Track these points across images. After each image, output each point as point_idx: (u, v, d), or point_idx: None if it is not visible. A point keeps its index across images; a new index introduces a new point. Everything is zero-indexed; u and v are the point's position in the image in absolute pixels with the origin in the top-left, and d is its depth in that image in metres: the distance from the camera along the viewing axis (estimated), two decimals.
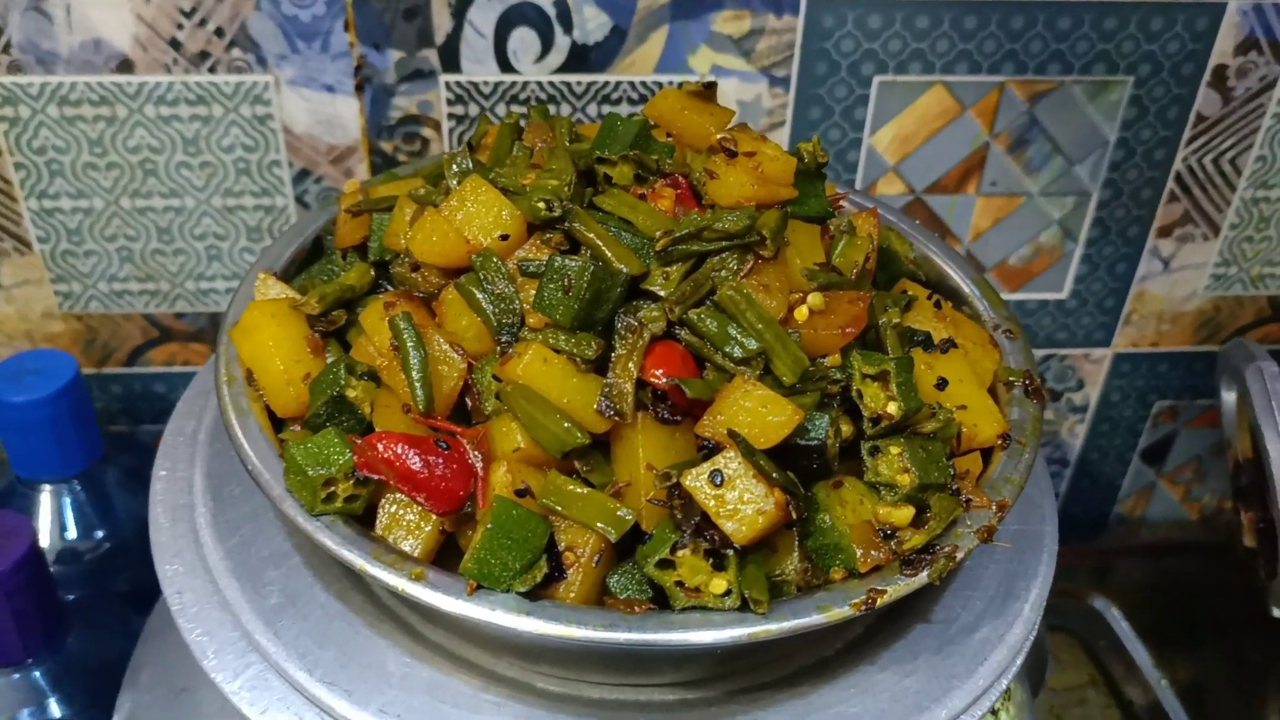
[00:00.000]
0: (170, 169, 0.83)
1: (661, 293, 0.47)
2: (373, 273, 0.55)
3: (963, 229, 0.91)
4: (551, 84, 0.82)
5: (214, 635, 0.49)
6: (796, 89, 0.84)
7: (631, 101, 0.83)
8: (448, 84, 0.81)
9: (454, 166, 0.55)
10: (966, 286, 0.60)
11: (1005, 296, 0.94)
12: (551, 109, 0.83)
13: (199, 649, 0.49)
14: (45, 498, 0.84)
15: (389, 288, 0.56)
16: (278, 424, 0.51)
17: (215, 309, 0.90)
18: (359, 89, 0.82)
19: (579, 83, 0.82)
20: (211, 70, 0.79)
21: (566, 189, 0.50)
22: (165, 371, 0.93)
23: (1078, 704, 0.97)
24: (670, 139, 0.55)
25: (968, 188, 0.89)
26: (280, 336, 0.51)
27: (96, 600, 0.85)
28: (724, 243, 0.48)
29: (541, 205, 0.48)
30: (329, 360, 0.52)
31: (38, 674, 0.75)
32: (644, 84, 0.82)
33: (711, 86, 0.56)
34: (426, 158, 0.67)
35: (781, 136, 0.86)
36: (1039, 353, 0.98)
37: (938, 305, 0.55)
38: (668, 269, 0.48)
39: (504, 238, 0.49)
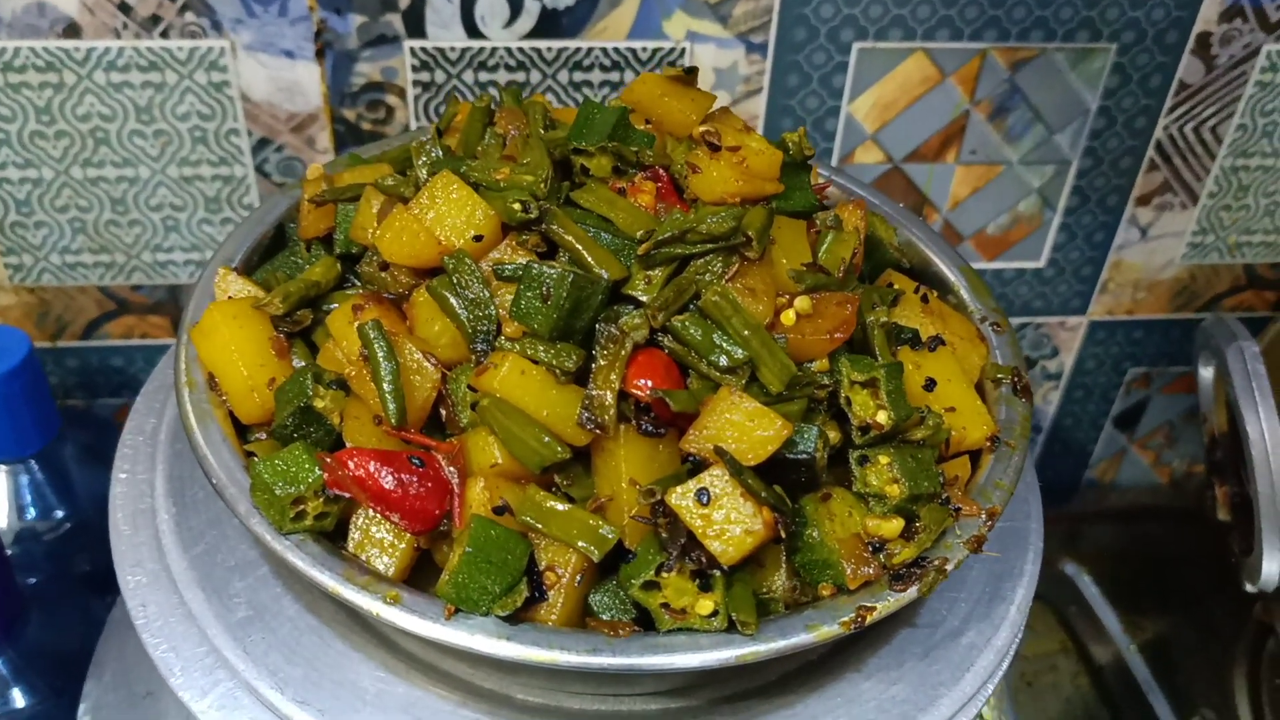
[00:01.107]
0: (123, 138, 0.80)
1: (643, 298, 0.45)
2: (339, 267, 0.53)
3: (941, 198, 0.90)
4: (521, 50, 0.79)
5: (180, 651, 0.48)
6: (774, 56, 0.81)
7: (604, 68, 0.80)
8: (413, 50, 0.78)
9: (423, 156, 0.52)
10: (952, 275, 0.59)
11: (982, 266, 0.93)
12: (521, 76, 0.80)
13: (165, 666, 0.47)
14: (1, 479, 0.81)
15: (356, 282, 0.53)
16: (241, 428, 0.49)
17: (174, 281, 0.87)
18: (320, 54, 0.78)
19: (549, 49, 0.79)
20: (164, 35, 0.76)
21: (543, 185, 0.47)
22: (123, 345, 0.90)
23: (1049, 670, 0.98)
24: (649, 126, 0.53)
25: (947, 156, 0.88)
26: (242, 339, 0.48)
27: (57, 584, 0.83)
28: (708, 245, 0.46)
29: (518, 207, 0.46)
30: (295, 363, 0.50)
31: None
32: (616, 50, 0.80)
33: (692, 72, 0.54)
34: (393, 137, 0.64)
35: (758, 104, 0.84)
36: (1015, 321, 0.97)
37: (924, 300, 0.54)
38: (650, 272, 0.46)
39: (478, 239, 0.47)
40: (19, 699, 0.73)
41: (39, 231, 0.83)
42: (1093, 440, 1.07)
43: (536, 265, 0.44)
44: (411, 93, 0.80)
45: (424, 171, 0.52)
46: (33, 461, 0.81)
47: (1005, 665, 0.51)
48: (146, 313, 0.88)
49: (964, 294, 0.58)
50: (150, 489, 0.53)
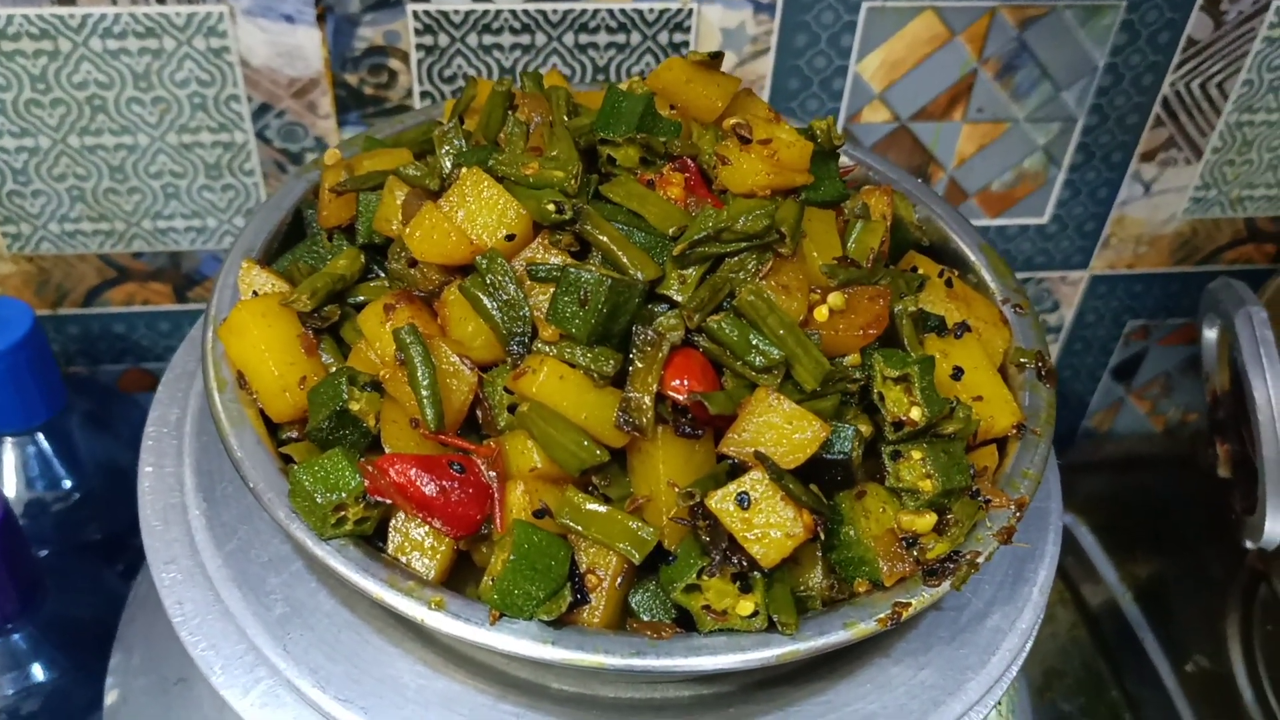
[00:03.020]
0: (120, 105, 0.78)
1: (678, 297, 0.45)
2: (363, 258, 0.52)
3: (947, 156, 0.89)
4: (525, 13, 0.77)
5: (219, 649, 0.48)
6: (782, 15, 0.80)
7: (610, 30, 0.79)
8: (415, 13, 0.77)
9: (445, 145, 0.51)
10: (972, 254, 0.59)
11: (985, 222, 0.93)
12: (526, 39, 0.79)
13: (205, 664, 0.48)
14: (9, 452, 0.81)
15: (380, 273, 0.53)
16: (272, 424, 0.49)
17: (174, 248, 0.86)
18: (320, 18, 0.77)
19: (554, 11, 0.78)
20: (161, 1, 0.74)
21: (573, 181, 0.47)
22: (125, 311, 0.89)
23: (1046, 621, 0.99)
24: (674, 111, 0.53)
25: (954, 114, 0.87)
26: (272, 338, 0.48)
27: (70, 555, 0.83)
28: (742, 244, 0.45)
29: (551, 208, 0.45)
30: (324, 359, 0.50)
31: (19, 638, 0.73)
32: (623, 12, 0.78)
33: (718, 56, 0.53)
34: (406, 115, 0.63)
35: (765, 64, 0.83)
36: (1016, 276, 0.97)
37: (949, 284, 0.54)
38: (684, 272, 0.45)
39: (509, 238, 0.46)
40: (40, 673, 0.74)
41: (37, 200, 0.82)
42: (1090, 391, 1.08)
43: (574, 269, 0.43)
44: (415, 57, 0.79)
45: (447, 161, 0.51)
46: (39, 433, 0.81)
47: (1029, 647, 0.52)
48: (148, 279, 0.87)
49: (985, 274, 0.58)
50: (179, 483, 0.53)
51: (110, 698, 0.64)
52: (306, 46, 0.78)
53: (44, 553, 0.81)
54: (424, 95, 0.81)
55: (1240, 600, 0.98)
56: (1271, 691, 0.92)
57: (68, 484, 0.84)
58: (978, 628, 0.51)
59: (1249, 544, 0.79)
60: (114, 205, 0.83)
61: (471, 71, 0.80)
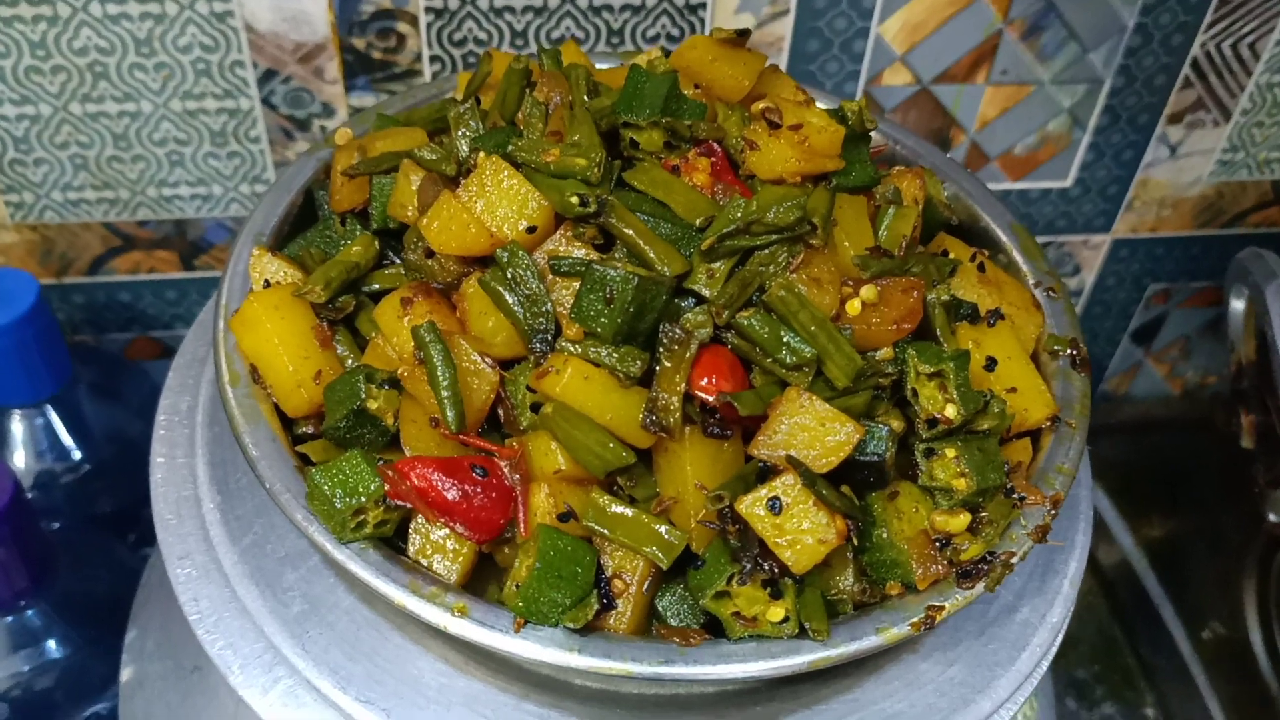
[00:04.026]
0: (122, 72, 0.76)
1: (706, 292, 0.44)
2: (377, 245, 0.51)
3: (968, 119, 0.87)
4: None
5: (237, 649, 0.47)
6: None
7: None
8: None
9: (462, 127, 0.50)
10: (1004, 235, 0.57)
11: (1007, 186, 0.91)
12: (538, 1, 0.76)
13: (223, 663, 0.47)
14: (17, 425, 0.80)
15: (395, 259, 0.51)
16: (286, 418, 0.48)
17: (180, 216, 0.84)
18: None
19: None
20: None
21: (596, 170, 0.45)
22: (130, 280, 0.87)
23: None
24: (698, 91, 0.51)
25: (977, 77, 0.85)
26: (285, 331, 0.47)
27: (81, 527, 0.83)
28: (772, 236, 0.44)
29: (575, 200, 0.44)
30: (339, 350, 0.48)
31: (32, 614, 0.73)
32: None
33: (744, 34, 0.51)
34: (417, 87, 0.61)
35: (785, 26, 0.80)
36: (1038, 240, 0.96)
37: (981, 268, 0.52)
38: (712, 266, 0.44)
39: (530, 230, 0.45)
40: (54, 649, 0.74)
41: (39, 169, 0.80)
42: (1109, 355, 1.07)
43: (599, 267, 0.42)
44: (424, 20, 0.77)
45: (464, 144, 0.50)
46: (48, 406, 0.80)
47: (1059, 641, 0.51)
48: (153, 247, 0.86)
49: (1016, 254, 0.56)
50: (191, 475, 0.52)
51: (126, 674, 0.63)
52: (312, 11, 0.75)
53: (55, 526, 0.81)
54: (433, 59, 0.79)
55: (1257, 565, 0.97)
56: None
57: (77, 456, 0.83)
58: (1007, 621, 0.50)
59: (1272, 517, 0.78)
60: (118, 173, 0.81)
61: (482, 35, 0.78)
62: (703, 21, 0.79)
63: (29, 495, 0.80)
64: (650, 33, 0.79)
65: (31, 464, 0.81)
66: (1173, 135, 0.90)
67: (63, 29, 0.73)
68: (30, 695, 0.73)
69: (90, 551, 0.80)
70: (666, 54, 0.58)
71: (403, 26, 0.77)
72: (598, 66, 0.60)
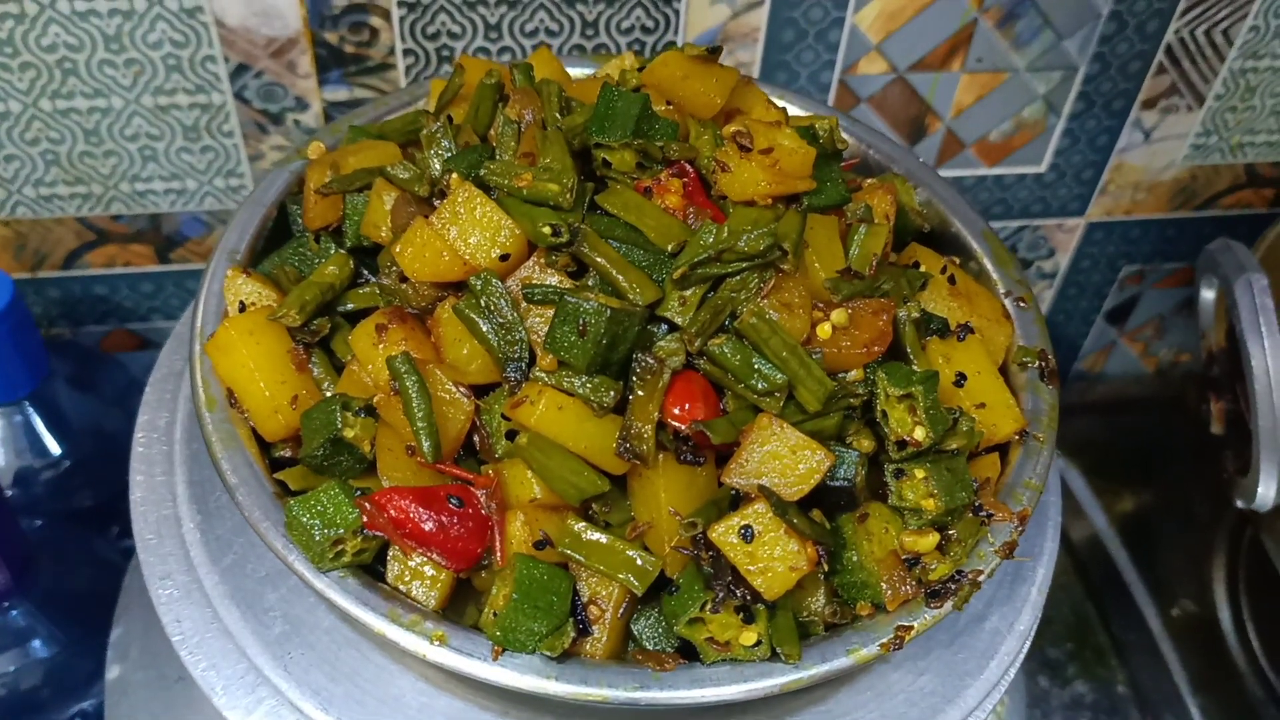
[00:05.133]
0: (92, 68, 0.75)
1: (679, 320, 0.44)
2: (351, 264, 0.51)
3: (944, 106, 0.87)
4: None
5: (220, 670, 0.48)
6: None
7: None
8: None
9: (434, 146, 0.50)
10: (975, 243, 0.57)
11: (983, 172, 0.92)
12: None
13: (206, 684, 0.48)
14: None
15: (370, 277, 0.52)
16: (263, 439, 0.48)
17: (154, 210, 0.84)
18: None
19: None
20: None
21: (569, 195, 0.45)
22: (106, 274, 0.87)
23: None
24: (669, 108, 0.51)
25: (952, 65, 0.85)
26: (260, 355, 0.47)
27: (62, 524, 0.83)
28: (744, 264, 0.44)
29: (548, 230, 0.44)
30: (314, 372, 0.48)
31: (15, 614, 0.73)
32: None
33: (716, 51, 0.51)
34: (390, 95, 0.61)
35: (760, 16, 0.80)
36: (1012, 224, 0.96)
37: (951, 280, 0.53)
38: (684, 293, 0.44)
39: (504, 257, 0.45)
40: (39, 648, 0.74)
41: (10, 165, 0.79)
42: (1083, 335, 1.08)
43: (573, 299, 0.42)
44: (396, 14, 0.76)
45: (436, 163, 0.50)
46: (26, 403, 0.80)
47: (1026, 648, 0.52)
48: (128, 241, 0.85)
49: (987, 263, 0.57)
50: (171, 494, 0.52)
51: (112, 673, 0.64)
52: (283, 5, 0.75)
53: (37, 523, 0.81)
54: (407, 53, 0.78)
55: (1227, 543, 0.99)
56: (1255, 635, 0.94)
57: (56, 451, 0.83)
58: (976, 630, 0.51)
59: (1240, 504, 0.79)
60: (90, 168, 0.80)
61: (455, 29, 0.77)
62: (677, 14, 0.78)
63: (9, 494, 0.81)
64: (625, 24, 0.79)
65: (11, 461, 0.81)
66: (1147, 120, 0.90)
67: (30, 26, 0.73)
68: (15, 695, 0.74)
69: (72, 548, 0.80)
70: (640, 60, 0.58)
71: (375, 20, 0.76)
72: (571, 71, 0.60)
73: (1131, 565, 1.00)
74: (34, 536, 0.79)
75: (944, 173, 0.90)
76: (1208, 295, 0.80)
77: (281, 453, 0.48)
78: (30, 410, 0.81)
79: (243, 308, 0.49)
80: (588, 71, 0.61)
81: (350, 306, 0.50)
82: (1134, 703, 0.93)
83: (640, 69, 0.54)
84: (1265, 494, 0.75)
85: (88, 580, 0.79)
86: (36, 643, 0.74)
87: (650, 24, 0.79)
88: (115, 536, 0.86)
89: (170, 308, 0.90)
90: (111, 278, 0.87)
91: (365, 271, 0.52)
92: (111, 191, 0.82)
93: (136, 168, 0.81)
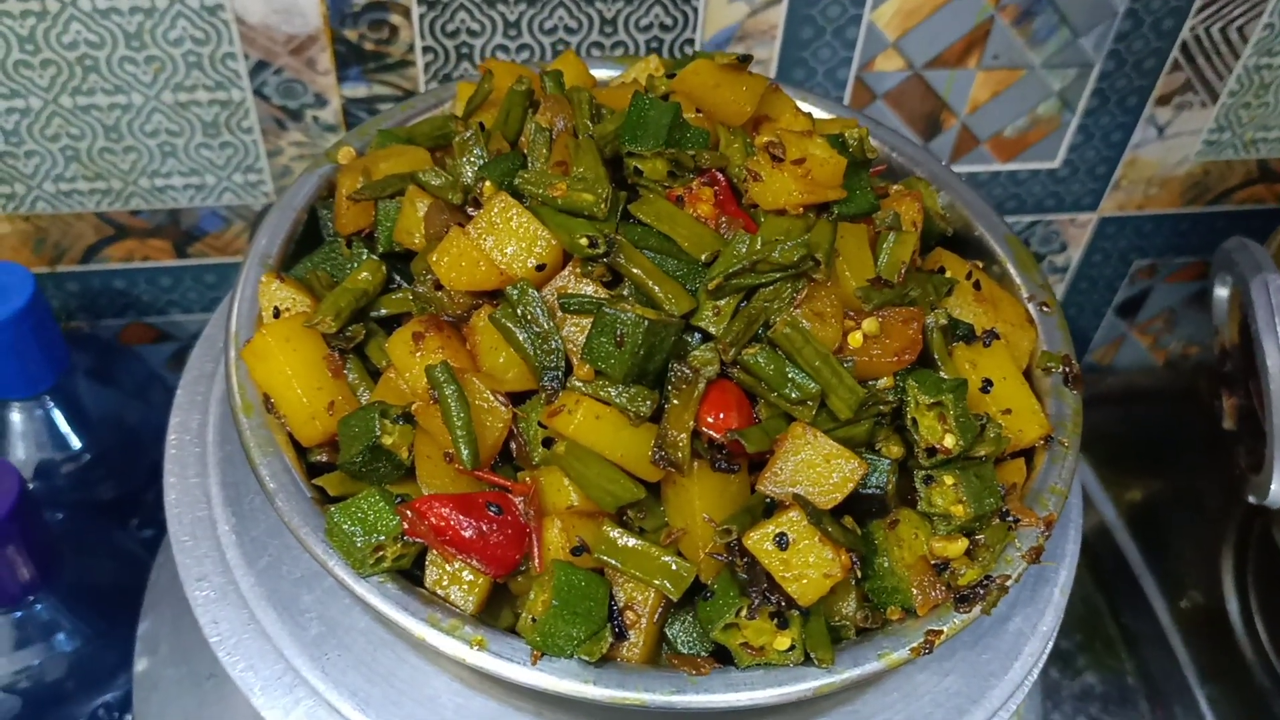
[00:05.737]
0: (113, 65, 0.75)
1: (713, 330, 0.45)
2: (384, 269, 0.51)
3: (959, 103, 0.88)
4: None
5: (258, 670, 0.49)
6: None
7: None
8: None
9: (466, 154, 0.50)
10: (998, 247, 0.58)
11: (997, 168, 0.92)
12: None
13: (245, 685, 0.48)
14: (16, 417, 0.80)
15: (403, 283, 0.52)
16: (300, 445, 0.49)
17: (173, 205, 0.84)
18: None
19: None
20: None
21: (603, 205, 0.46)
22: (125, 268, 0.88)
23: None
24: (699, 115, 0.51)
25: (969, 62, 0.85)
26: (297, 362, 0.47)
27: (85, 516, 0.83)
28: (777, 274, 0.45)
29: (584, 242, 0.44)
30: (351, 379, 0.49)
31: (40, 608, 0.74)
32: None
33: (746, 59, 0.51)
34: (416, 97, 0.61)
35: (778, 14, 0.80)
36: (1026, 219, 0.97)
37: (977, 286, 0.53)
38: (718, 303, 0.45)
39: (540, 267, 0.45)
40: (64, 641, 0.75)
41: (30, 160, 0.79)
42: (1094, 328, 1.09)
43: (610, 310, 0.43)
44: (416, 11, 0.76)
45: (469, 170, 0.50)
46: (46, 397, 0.81)
47: (1049, 648, 0.53)
48: (147, 236, 0.86)
49: (1010, 268, 0.57)
50: (205, 496, 0.52)
51: (140, 665, 0.64)
52: (304, 2, 0.75)
53: (59, 517, 0.81)
54: (426, 50, 0.78)
55: (1236, 534, 1.00)
56: (1263, 627, 0.95)
57: (77, 445, 0.83)
58: (1000, 631, 0.52)
59: (1252, 499, 0.80)
60: (110, 164, 0.81)
61: (475, 26, 0.77)
62: (696, 11, 0.78)
63: (31, 487, 0.81)
64: (643, 22, 0.79)
65: (33, 455, 0.82)
66: (1161, 116, 0.91)
67: (51, 23, 0.73)
68: (40, 687, 0.75)
69: (95, 541, 0.81)
70: (664, 63, 0.58)
71: (395, 18, 0.76)
72: (596, 75, 0.61)
73: (1141, 557, 1.01)
74: (56, 530, 0.79)
75: (958, 168, 0.91)
76: (1221, 292, 0.81)
77: (317, 457, 0.49)
78: (50, 404, 0.81)
79: (276, 313, 0.50)
80: (610, 73, 0.62)
81: (383, 312, 0.51)
82: (1143, 693, 0.94)
83: (669, 75, 0.54)
84: (1278, 491, 0.75)
85: (110, 573, 0.80)
86: (60, 636, 0.75)
87: (669, 21, 0.79)
88: (136, 528, 0.87)
89: (188, 301, 0.91)
90: (130, 272, 0.88)
91: (398, 277, 0.52)
92: (131, 187, 0.82)
93: (156, 163, 0.81)
